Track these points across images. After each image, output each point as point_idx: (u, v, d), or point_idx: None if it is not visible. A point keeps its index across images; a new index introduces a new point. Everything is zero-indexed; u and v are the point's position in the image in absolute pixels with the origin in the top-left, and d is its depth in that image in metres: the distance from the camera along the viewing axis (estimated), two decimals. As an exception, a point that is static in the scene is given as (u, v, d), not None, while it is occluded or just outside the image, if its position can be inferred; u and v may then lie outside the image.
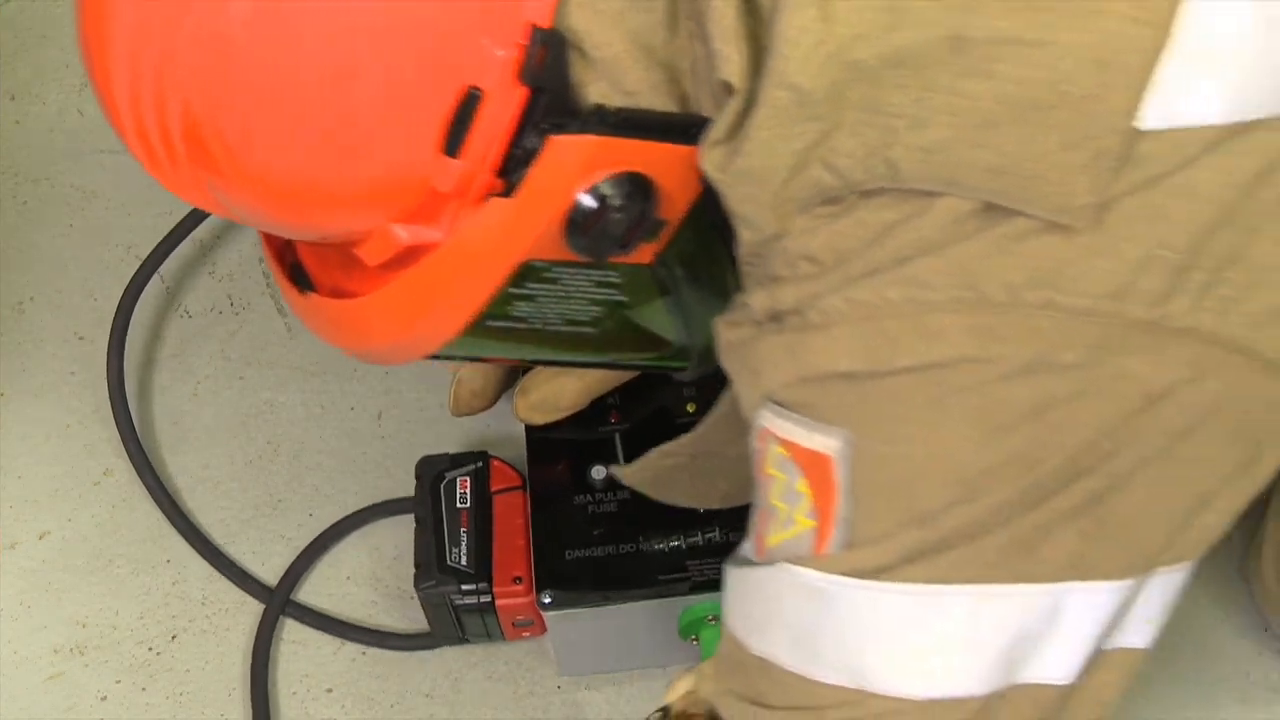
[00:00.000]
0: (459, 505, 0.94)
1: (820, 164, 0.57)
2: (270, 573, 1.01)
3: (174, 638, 0.99)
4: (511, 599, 0.91)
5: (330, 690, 0.96)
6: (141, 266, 1.07)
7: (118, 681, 0.97)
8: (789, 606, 0.62)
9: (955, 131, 0.55)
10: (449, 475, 0.96)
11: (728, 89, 0.58)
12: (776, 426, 0.61)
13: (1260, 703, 0.93)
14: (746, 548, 0.66)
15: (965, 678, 0.60)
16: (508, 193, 0.62)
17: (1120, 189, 0.54)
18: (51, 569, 1.02)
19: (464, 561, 0.92)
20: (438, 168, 0.60)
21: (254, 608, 0.99)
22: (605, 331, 0.71)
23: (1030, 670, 0.61)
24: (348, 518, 1.02)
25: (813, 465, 0.59)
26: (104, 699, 0.96)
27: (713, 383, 0.94)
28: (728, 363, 0.64)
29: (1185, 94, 0.53)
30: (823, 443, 0.59)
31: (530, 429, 0.95)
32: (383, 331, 0.67)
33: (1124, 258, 0.55)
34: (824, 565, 0.60)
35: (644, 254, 0.67)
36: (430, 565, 0.92)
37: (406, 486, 1.02)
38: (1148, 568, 0.60)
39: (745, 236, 0.62)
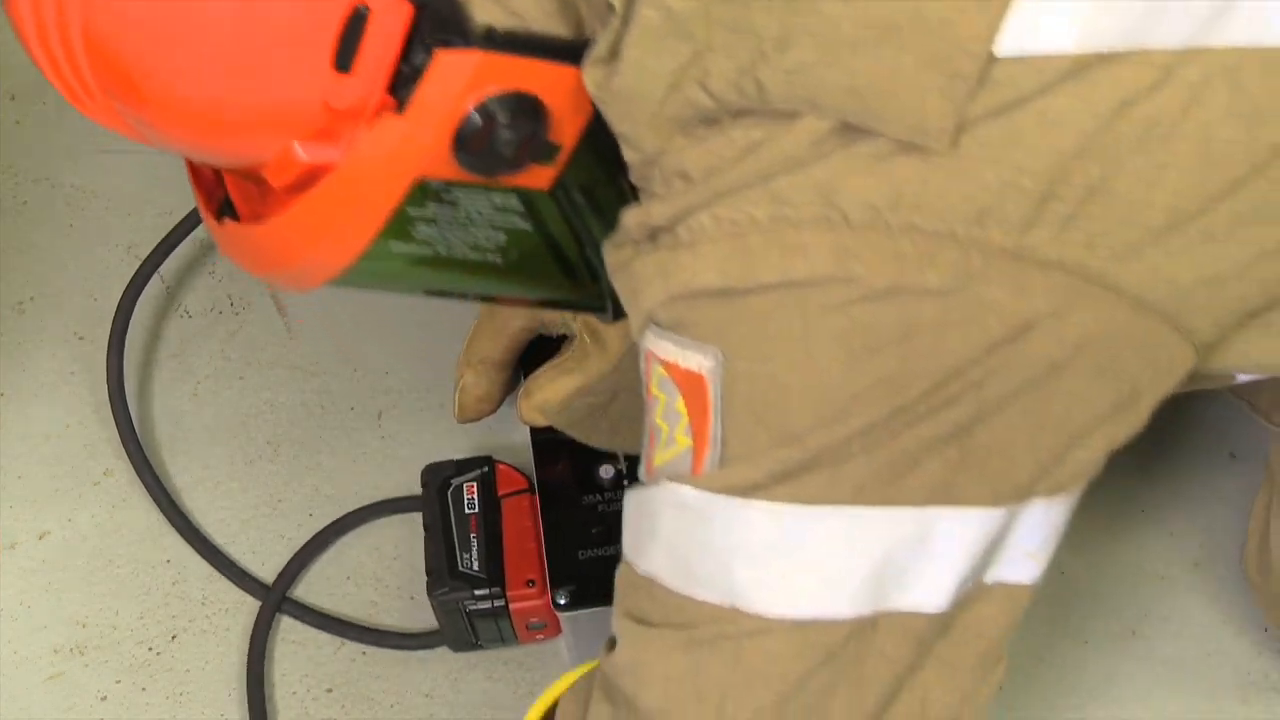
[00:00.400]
0: (467, 511, 0.95)
1: (695, 84, 0.59)
2: (270, 573, 1.01)
3: (174, 638, 0.99)
4: (525, 602, 0.92)
5: (330, 690, 0.96)
6: (141, 266, 1.06)
7: (118, 681, 0.97)
8: (667, 524, 0.63)
9: (817, 53, 0.56)
10: (455, 481, 0.96)
11: (610, 8, 0.60)
12: (657, 348, 0.62)
13: (1260, 703, 0.93)
14: (640, 471, 0.68)
15: (832, 600, 0.61)
16: (399, 110, 0.63)
17: (977, 112, 0.55)
18: (51, 569, 1.02)
19: (475, 567, 0.92)
20: (332, 86, 0.62)
21: (254, 607, 0.99)
22: (513, 263, 0.72)
23: (901, 598, 0.62)
24: (347, 516, 1.02)
25: (688, 384, 0.61)
26: (104, 699, 0.96)
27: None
28: (617, 285, 0.65)
29: (1041, 21, 0.54)
30: (697, 361, 0.60)
31: (535, 431, 0.96)
32: (289, 253, 0.68)
33: (983, 182, 0.55)
34: (698, 483, 0.62)
35: (541, 179, 0.68)
36: (442, 572, 0.92)
37: (407, 486, 1.03)
38: (1018, 498, 0.61)
39: (630, 157, 0.64)
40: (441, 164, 0.65)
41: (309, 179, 0.65)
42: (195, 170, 0.74)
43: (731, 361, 0.59)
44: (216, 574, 1.01)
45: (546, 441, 0.95)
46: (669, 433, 0.62)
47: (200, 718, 0.95)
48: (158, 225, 1.13)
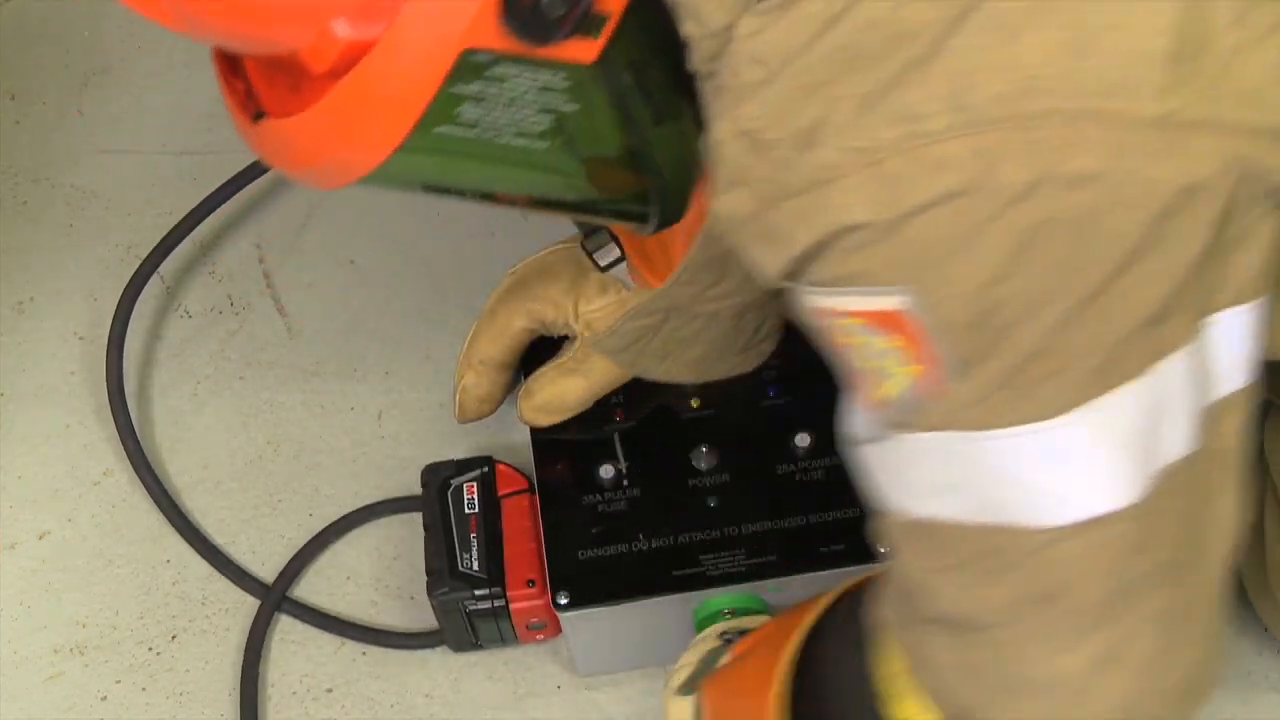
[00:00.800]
0: (467, 511, 0.95)
1: None
2: (270, 573, 1.01)
3: (174, 638, 0.99)
4: (525, 602, 0.92)
5: (330, 690, 0.96)
6: (141, 266, 1.07)
7: (118, 681, 0.97)
8: (933, 468, 0.62)
9: None
10: (455, 481, 0.96)
11: None
12: (838, 303, 0.60)
13: (1261, 703, 0.93)
14: (855, 422, 0.66)
15: (1112, 492, 0.60)
16: None
17: None
18: (51, 569, 1.02)
19: (476, 567, 0.92)
20: None
21: (253, 607, 0.99)
22: (556, 151, 0.70)
23: (1161, 457, 0.61)
24: (347, 516, 1.02)
25: (889, 323, 0.59)
26: (104, 699, 0.96)
27: (716, 380, 0.96)
28: (735, 239, 0.63)
29: None
30: (888, 302, 0.59)
31: (535, 431, 0.96)
32: (329, 144, 0.65)
33: (1116, 53, 0.54)
34: (935, 422, 0.60)
35: (587, 52, 0.65)
36: (442, 572, 0.92)
37: (407, 486, 1.03)
38: (1205, 315, 0.60)
39: (691, 31, 0.61)
40: (488, 33, 0.62)
41: (350, 62, 0.62)
42: (227, 73, 0.70)
43: (921, 294, 0.58)
44: (216, 574, 1.01)
45: (546, 441, 0.95)
46: (883, 368, 0.61)
47: (200, 718, 0.95)
48: (158, 225, 1.13)
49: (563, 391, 0.93)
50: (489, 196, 0.73)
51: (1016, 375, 0.58)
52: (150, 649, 0.98)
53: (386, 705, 0.95)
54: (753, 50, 0.59)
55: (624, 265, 0.93)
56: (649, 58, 0.67)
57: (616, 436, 0.94)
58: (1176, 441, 0.61)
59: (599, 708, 0.95)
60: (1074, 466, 0.60)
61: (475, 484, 0.96)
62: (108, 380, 1.04)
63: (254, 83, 0.69)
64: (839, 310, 0.61)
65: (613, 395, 0.95)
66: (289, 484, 1.05)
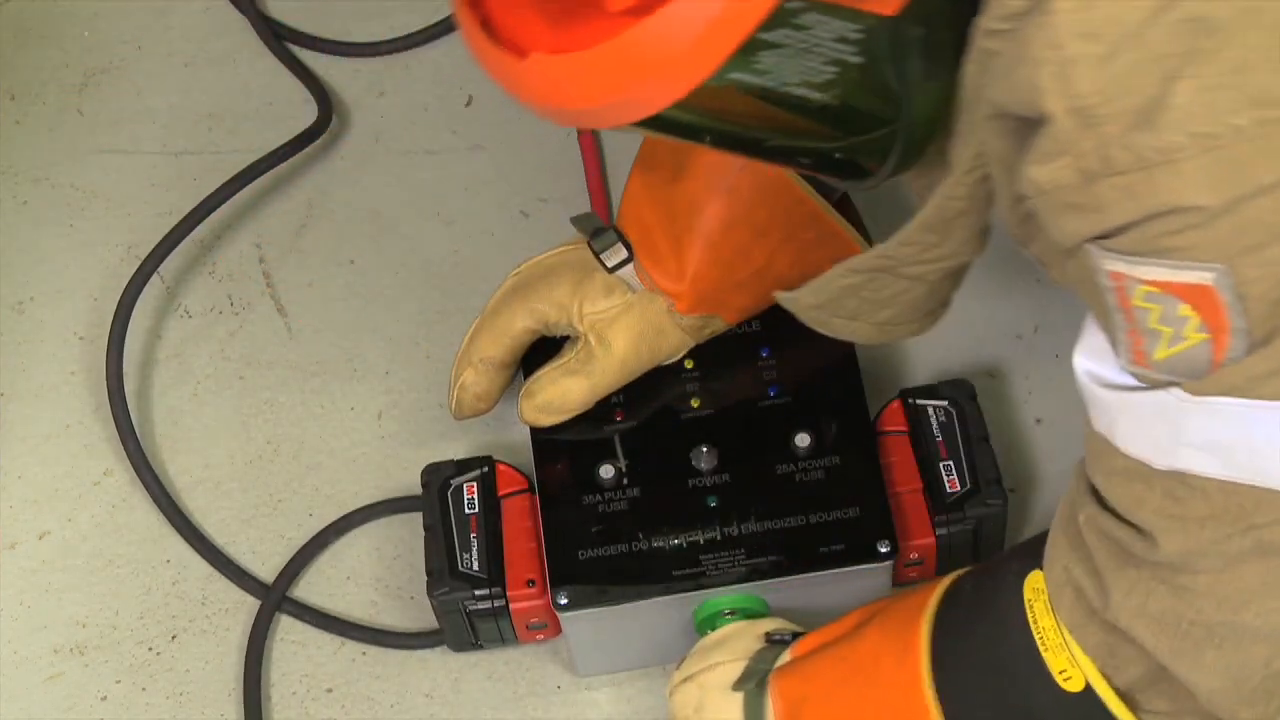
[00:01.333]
0: (467, 511, 0.94)
1: None
2: (270, 573, 1.01)
3: (174, 638, 0.99)
4: (525, 602, 0.92)
5: (330, 690, 0.96)
6: (141, 266, 1.07)
7: (118, 681, 0.97)
8: (1201, 429, 0.63)
9: None
10: (455, 481, 0.96)
11: None
12: (1137, 271, 0.60)
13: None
14: (1106, 367, 0.66)
15: None
16: None
17: None
18: (51, 569, 1.02)
19: (475, 567, 0.92)
20: None
21: (254, 607, 0.99)
22: (829, 101, 0.68)
23: None
24: (347, 516, 1.02)
25: (1192, 294, 0.60)
26: (104, 699, 0.96)
27: (716, 381, 0.96)
28: (1039, 205, 0.63)
29: None
30: (1197, 276, 0.59)
31: (535, 432, 0.96)
32: (618, 84, 0.62)
33: None
34: (1218, 387, 0.61)
35: (888, 4, 0.64)
36: (442, 572, 0.92)
37: (407, 486, 1.03)
38: None
39: None
40: None
41: (650, 1, 0.59)
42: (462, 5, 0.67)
43: (1240, 270, 0.58)
44: (216, 574, 1.01)
45: (546, 441, 0.95)
46: (1174, 333, 0.61)
47: (200, 718, 0.95)
48: (158, 225, 1.13)
49: (565, 392, 0.93)
50: (737, 144, 0.72)
51: None
52: (150, 649, 0.98)
53: (386, 705, 0.95)
54: (1082, 24, 0.58)
55: (631, 266, 0.93)
56: (942, 13, 0.66)
57: (616, 436, 0.94)
58: None
59: (599, 708, 0.95)
60: None
61: (475, 484, 0.96)
62: (107, 380, 1.04)
63: (492, 14, 0.65)
64: (1139, 277, 0.61)
65: (613, 395, 0.95)
66: (289, 484, 1.05)
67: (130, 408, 1.04)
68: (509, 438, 1.03)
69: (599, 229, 0.93)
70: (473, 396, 0.99)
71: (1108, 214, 0.60)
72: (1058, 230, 0.63)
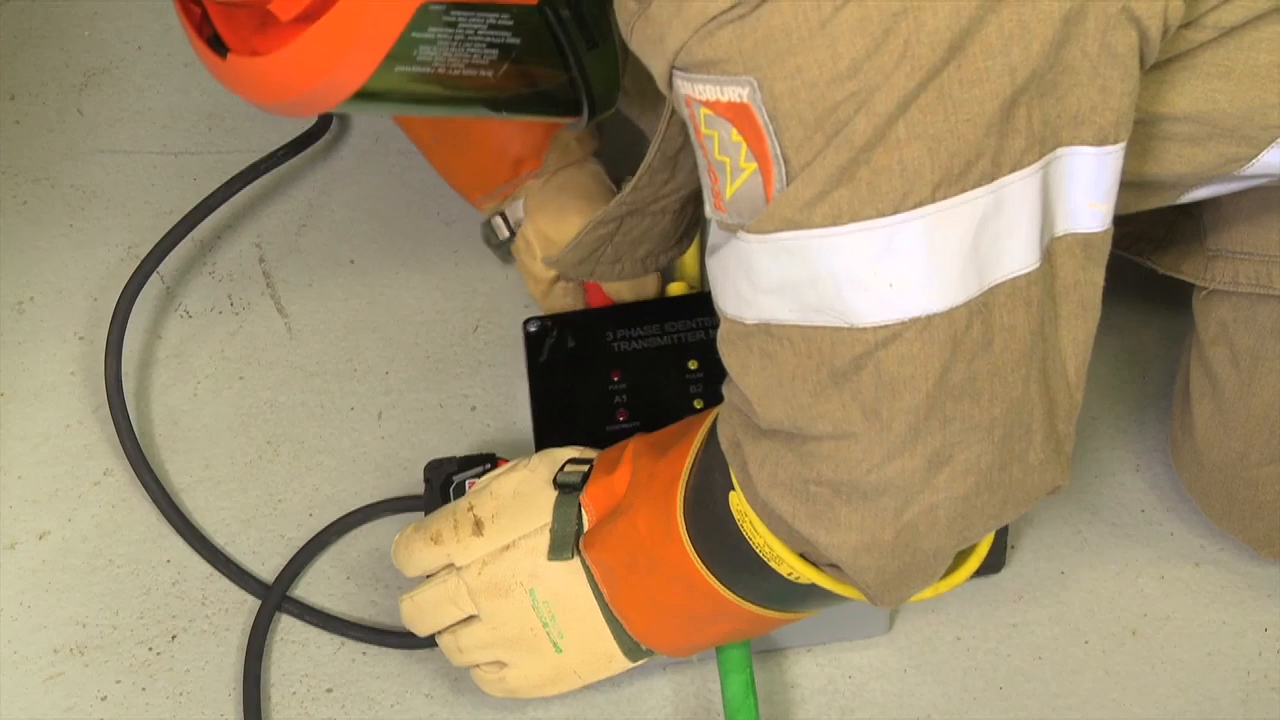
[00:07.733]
0: (468, 507, 0.94)
1: None
2: (270, 572, 1.01)
3: (174, 638, 0.99)
4: (523, 598, 0.92)
5: (330, 690, 0.96)
6: (141, 266, 1.07)
7: (118, 681, 0.97)
8: (766, 269, 0.66)
9: None
10: (458, 478, 0.96)
11: None
12: (695, 91, 0.64)
13: (1260, 703, 0.93)
14: (707, 210, 0.70)
15: (941, 292, 0.64)
16: None
17: None
18: (51, 569, 1.02)
19: (474, 561, 0.92)
20: None
21: (254, 607, 0.99)
22: (502, 75, 0.77)
23: (1000, 269, 0.64)
24: (347, 516, 1.02)
25: (736, 114, 0.63)
26: (104, 699, 0.96)
27: (717, 381, 0.96)
28: (638, 46, 0.67)
29: None
30: (736, 93, 0.62)
31: (537, 430, 0.96)
32: (298, 82, 0.72)
33: None
34: (774, 221, 0.64)
35: None
36: (441, 569, 0.92)
37: (407, 486, 1.03)
38: (1054, 146, 0.64)
39: None
40: None
41: (315, 10, 0.69)
42: (184, 7, 0.77)
43: (768, 84, 0.61)
44: (216, 574, 1.01)
45: (548, 439, 0.95)
46: (732, 163, 0.65)
47: (200, 718, 0.95)
48: (158, 225, 1.13)
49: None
50: (442, 106, 0.81)
51: (852, 171, 0.61)
52: (150, 649, 0.98)
53: (386, 705, 0.95)
54: None
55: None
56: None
57: (619, 436, 0.94)
58: (1017, 258, 0.65)
59: (599, 708, 0.95)
60: (904, 266, 0.63)
61: (477, 481, 0.96)
62: (107, 380, 1.04)
63: (217, 24, 0.76)
64: (698, 98, 0.64)
65: (615, 395, 0.96)
66: (289, 484, 1.05)
67: (130, 408, 1.04)
68: (511, 436, 1.03)
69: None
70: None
71: (667, 38, 0.63)
72: (657, 77, 0.67)
